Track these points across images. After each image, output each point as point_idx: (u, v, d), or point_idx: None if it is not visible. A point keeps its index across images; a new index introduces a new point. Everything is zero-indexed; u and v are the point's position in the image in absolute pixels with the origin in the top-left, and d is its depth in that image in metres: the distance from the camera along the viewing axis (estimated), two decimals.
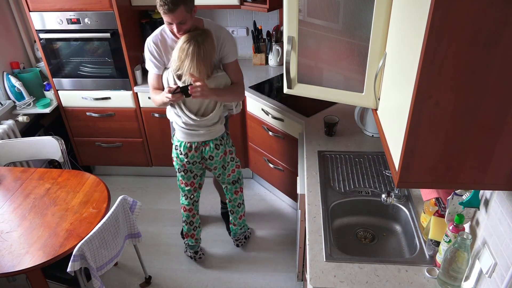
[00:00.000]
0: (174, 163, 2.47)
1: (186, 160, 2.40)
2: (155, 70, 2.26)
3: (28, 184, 2.35)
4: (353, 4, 1.52)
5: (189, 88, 2.08)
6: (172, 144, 2.46)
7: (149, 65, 2.26)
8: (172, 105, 2.28)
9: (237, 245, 2.83)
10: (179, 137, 2.36)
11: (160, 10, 1.98)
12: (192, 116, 2.25)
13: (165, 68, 2.28)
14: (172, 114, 2.33)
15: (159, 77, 2.28)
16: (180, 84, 2.17)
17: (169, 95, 2.10)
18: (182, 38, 2.07)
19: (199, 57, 2.07)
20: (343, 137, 2.32)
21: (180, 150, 2.37)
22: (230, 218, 2.75)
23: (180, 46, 2.08)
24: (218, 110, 2.30)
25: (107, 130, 3.25)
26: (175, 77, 2.20)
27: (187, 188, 2.53)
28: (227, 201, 2.71)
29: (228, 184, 2.63)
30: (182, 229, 2.93)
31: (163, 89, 2.26)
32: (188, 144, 2.35)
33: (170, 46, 2.20)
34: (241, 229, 2.79)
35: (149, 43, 2.22)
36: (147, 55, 2.24)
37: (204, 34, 2.09)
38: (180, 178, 2.51)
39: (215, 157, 2.41)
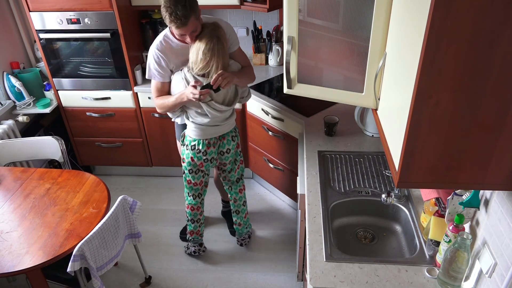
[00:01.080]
0: (185, 164, 2.42)
1: (204, 157, 2.38)
2: (161, 79, 2.22)
3: (28, 184, 2.35)
4: (353, 4, 1.52)
5: (211, 83, 2.08)
6: (180, 145, 2.44)
7: (154, 74, 2.21)
8: (193, 105, 2.23)
9: (241, 245, 2.83)
10: (195, 135, 2.32)
11: (172, 25, 1.97)
12: (223, 108, 2.25)
13: (172, 73, 2.26)
14: (191, 113, 2.28)
15: (166, 84, 2.26)
16: (205, 82, 2.15)
17: (196, 92, 2.05)
18: (202, 40, 2.06)
19: (224, 52, 2.11)
20: (343, 137, 2.32)
21: (198, 149, 2.34)
22: (235, 219, 2.75)
23: (204, 47, 2.06)
24: (237, 98, 2.34)
25: (107, 130, 3.25)
26: (197, 78, 2.16)
27: (195, 188, 2.52)
28: (231, 201, 2.70)
29: (232, 184, 2.63)
30: (183, 230, 2.94)
31: (169, 94, 2.26)
32: (206, 141, 2.34)
33: (175, 50, 2.18)
34: (246, 228, 2.80)
35: (154, 52, 2.16)
36: (152, 65, 2.19)
37: (217, 28, 2.11)
38: (188, 178, 2.47)
39: (231, 150, 2.45)
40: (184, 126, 2.43)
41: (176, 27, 1.98)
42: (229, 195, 2.71)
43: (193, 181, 2.48)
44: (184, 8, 1.93)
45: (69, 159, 2.88)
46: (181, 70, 2.20)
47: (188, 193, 2.56)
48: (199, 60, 2.09)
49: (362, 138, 2.32)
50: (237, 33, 3.25)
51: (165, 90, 2.27)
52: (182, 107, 2.27)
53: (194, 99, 2.08)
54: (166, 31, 2.19)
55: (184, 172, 2.48)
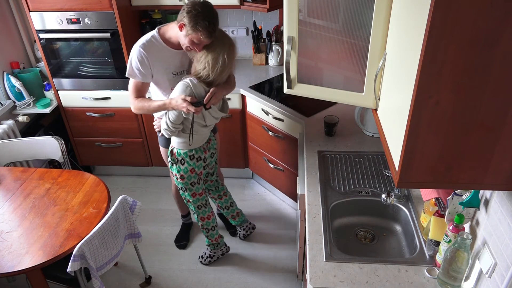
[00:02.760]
0: (185, 179, 2.33)
1: (204, 164, 2.36)
2: (142, 79, 2.15)
3: (28, 184, 2.35)
4: (353, 4, 1.52)
5: (204, 101, 2.06)
6: (171, 164, 2.32)
7: (135, 73, 2.14)
8: (196, 117, 2.16)
9: (244, 236, 2.84)
10: (192, 145, 2.25)
11: (202, 34, 1.96)
12: (222, 115, 2.25)
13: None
14: (186, 124, 2.18)
15: (146, 85, 2.20)
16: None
17: (192, 109, 2.01)
18: (221, 47, 2.03)
19: (233, 61, 2.13)
20: (343, 137, 2.32)
21: (199, 156, 2.30)
22: (231, 211, 2.73)
23: (226, 55, 2.03)
24: (226, 104, 2.34)
25: (107, 130, 3.25)
26: (205, 88, 2.10)
27: (201, 197, 2.47)
28: (220, 199, 2.69)
29: (216, 181, 2.63)
30: (177, 238, 2.92)
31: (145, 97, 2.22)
32: (203, 148, 2.32)
33: (160, 53, 2.14)
34: (244, 216, 2.82)
35: (139, 50, 2.10)
36: (134, 63, 2.11)
37: (227, 35, 2.11)
38: (193, 192, 2.40)
39: (216, 148, 2.45)
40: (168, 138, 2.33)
41: (205, 37, 1.97)
42: (216, 204, 2.73)
43: (198, 192, 2.43)
44: (217, 23, 2.00)
45: (69, 159, 2.88)
46: (184, 78, 2.12)
47: (198, 207, 2.48)
48: (218, 67, 2.04)
49: (362, 138, 2.31)
50: (236, 33, 3.30)
51: (144, 91, 2.21)
52: (185, 120, 2.16)
53: (186, 112, 2.06)
54: (154, 32, 2.16)
55: (186, 190, 2.39)
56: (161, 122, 2.18)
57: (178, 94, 2.06)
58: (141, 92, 2.21)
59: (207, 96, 2.07)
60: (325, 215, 1.80)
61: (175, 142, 2.27)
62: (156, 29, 2.18)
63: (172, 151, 2.30)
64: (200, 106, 2.05)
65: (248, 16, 3.24)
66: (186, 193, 2.41)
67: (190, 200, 2.45)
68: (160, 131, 2.36)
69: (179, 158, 2.28)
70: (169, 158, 2.33)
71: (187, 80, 2.08)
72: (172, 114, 2.11)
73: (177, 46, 2.17)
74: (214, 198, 2.70)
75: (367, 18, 1.47)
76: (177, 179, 2.36)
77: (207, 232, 2.58)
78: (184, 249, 2.85)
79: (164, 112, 2.17)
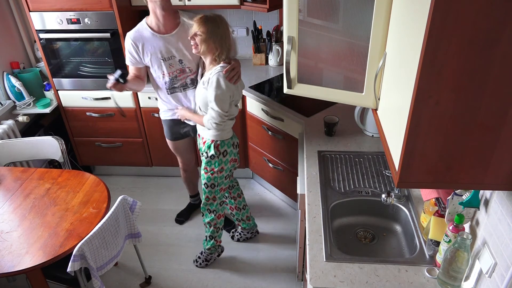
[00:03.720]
0: (223, 173, 2.32)
1: (237, 150, 2.38)
2: (131, 64, 2.40)
3: (28, 184, 2.35)
4: (353, 4, 1.52)
5: (224, 72, 2.10)
6: (216, 157, 2.29)
7: (128, 59, 2.39)
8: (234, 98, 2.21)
9: (250, 238, 2.85)
10: (232, 133, 2.30)
11: None
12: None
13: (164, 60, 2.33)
14: (234, 110, 2.24)
15: (137, 69, 2.42)
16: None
17: (109, 84, 2.26)
18: (225, 27, 2.11)
19: None
20: (343, 137, 2.32)
21: (237, 143, 2.34)
22: (246, 211, 2.72)
23: (230, 32, 2.13)
24: None
25: (107, 130, 3.25)
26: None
27: (224, 193, 2.47)
28: (239, 198, 2.67)
29: (234, 179, 2.65)
30: (180, 213, 3.03)
31: (142, 78, 2.45)
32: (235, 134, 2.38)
33: (147, 39, 2.30)
34: (254, 219, 2.85)
35: (128, 40, 2.32)
36: (126, 52, 2.36)
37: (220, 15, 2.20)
38: (221, 187, 2.39)
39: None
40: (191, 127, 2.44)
41: None
42: (233, 204, 2.72)
43: (224, 187, 2.42)
44: None
45: (69, 159, 2.88)
46: (214, 70, 2.11)
47: (220, 203, 2.46)
48: (232, 44, 2.15)
49: (362, 138, 2.32)
50: (237, 33, 3.31)
51: (139, 74, 2.43)
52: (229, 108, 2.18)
53: (109, 87, 2.29)
54: (142, 21, 2.34)
55: (216, 186, 2.36)
56: (206, 118, 2.17)
57: (222, 83, 2.09)
58: (136, 72, 2.44)
59: (229, 67, 2.11)
60: (325, 215, 1.80)
61: (214, 134, 2.23)
62: (144, 18, 2.37)
63: (214, 145, 2.24)
64: (113, 82, 2.26)
65: (248, 16, 3.23)
66: (216, 189, 2.37)
67: (217, 196, 2.40)
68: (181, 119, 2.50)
69: (222, 150, 2.26)
70: (211, 153, 2.25)
71: (218, 68, 2.12)
72: (223, 105, 2.12)
73: (161, 31, 2.32)
74: (233, 198, 2.67)
75: (367, 18, 1.47)
76: (212, 173, 2.30)
77: (217, 231, 2.55)
78: (181, 225, 2.96)
79: (204, 108, 2.21)
